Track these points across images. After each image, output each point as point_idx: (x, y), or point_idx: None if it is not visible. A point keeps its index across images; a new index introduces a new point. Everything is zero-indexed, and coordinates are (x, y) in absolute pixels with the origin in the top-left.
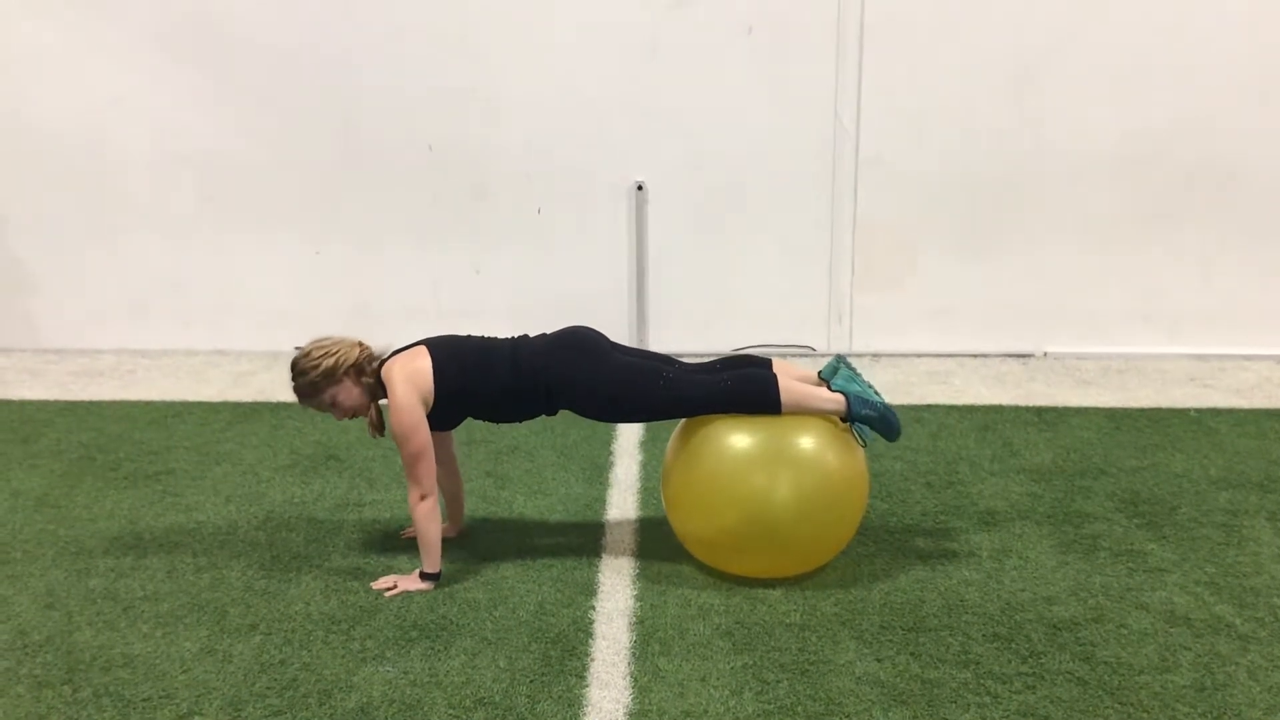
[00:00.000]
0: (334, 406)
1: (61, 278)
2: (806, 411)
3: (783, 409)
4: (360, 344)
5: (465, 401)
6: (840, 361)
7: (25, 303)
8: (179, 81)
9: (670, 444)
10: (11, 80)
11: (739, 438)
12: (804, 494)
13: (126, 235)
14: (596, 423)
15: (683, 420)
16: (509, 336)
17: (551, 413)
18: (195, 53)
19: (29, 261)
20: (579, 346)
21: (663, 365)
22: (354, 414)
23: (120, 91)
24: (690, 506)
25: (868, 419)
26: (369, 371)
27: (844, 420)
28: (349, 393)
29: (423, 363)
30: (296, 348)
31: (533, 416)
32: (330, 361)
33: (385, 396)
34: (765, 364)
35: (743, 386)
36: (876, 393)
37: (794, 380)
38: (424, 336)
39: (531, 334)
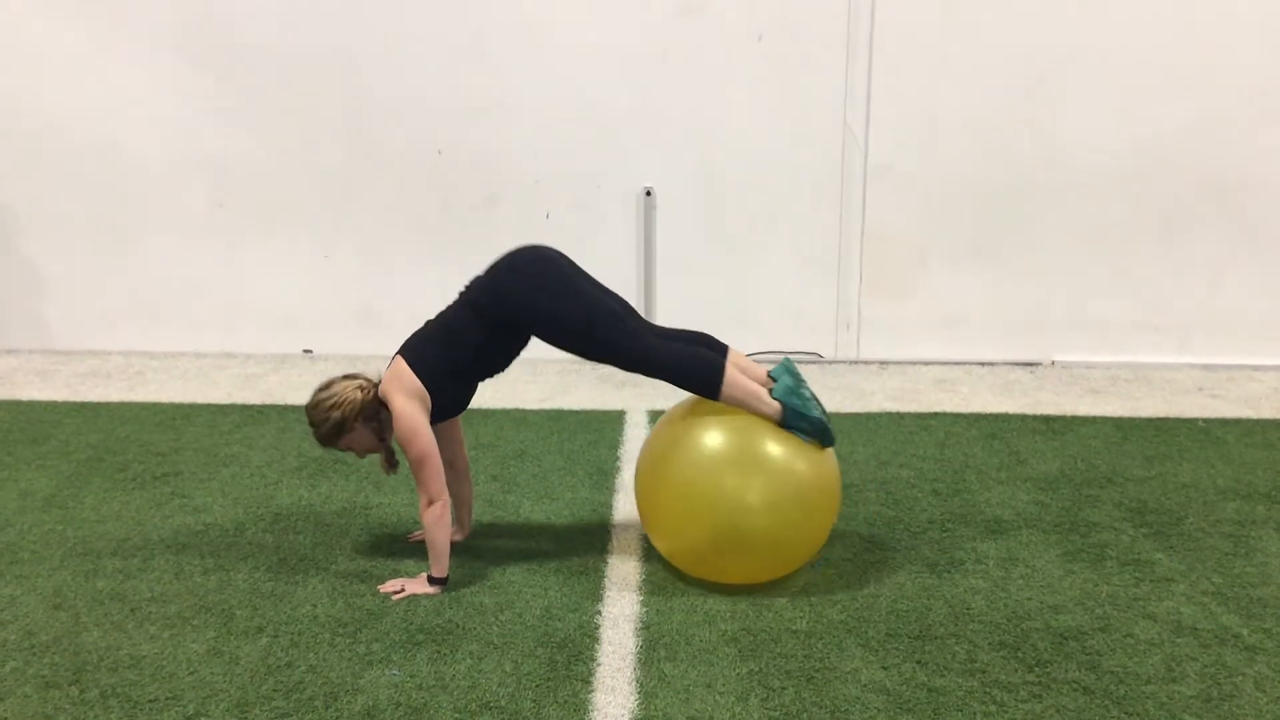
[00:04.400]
0: (351, 450)
1: (72, 280)
2: (742, 408)
3: (720, 399)
4: (361, 386)
5: (457, 374)
6: (789, 366)
7: (35, 304)
8: (192, 86)
9: (638, 462)
10: (25, 83)
11: (705, 443)
12: (773, 498)
13: (137, 238)
14: (603, 425)
15: (650, 436)
16: (459, 292)
17: (528, 336)
18: (208, 58)
19: (40, 263)
20: (536, 269)
21: (626, 315)
22: (371, 453)
23: (134, 96)
24: (660, 525)
25: (800, 430)
26: (374, 410)
27: (778, 424)
28: (362, 439)
29: (402, 368)
30: (306, 350)
31: (521, 347)
32: (338, 415)
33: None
34: (721, 350)
35: (691, 364)
36: (818, 404)
37: (740, 374)
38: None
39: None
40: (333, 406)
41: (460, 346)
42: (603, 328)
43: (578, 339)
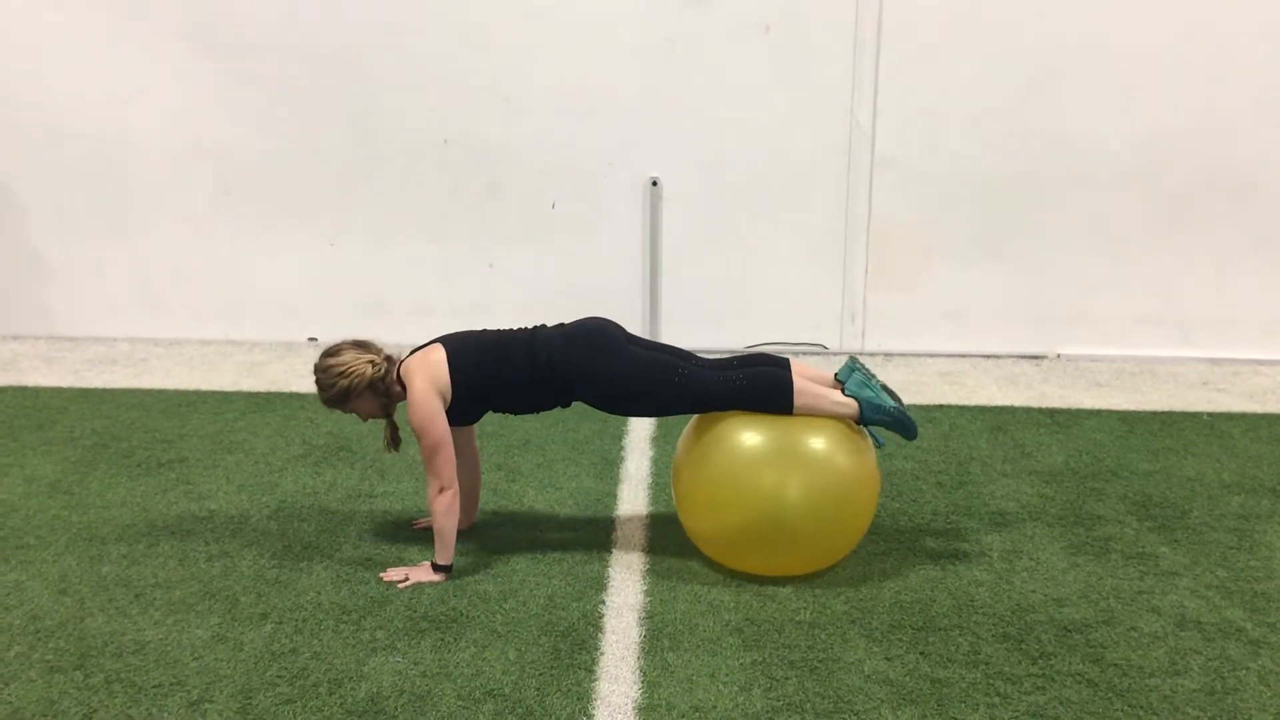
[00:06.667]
0: (355, 413)
1: (78, 267)
2: (819, 414)
3: (795, 411)
4: (373, 360)
5: (483, 394)
6: (855, 364)
7: (41, 291)
8: (198, 75)
9: (681, 441)
10: (32, 71)
11: (749, 436)
12: (813, 493)
13: (143, 226)
14: (609, 417)
15: (694, 417)
16: (525, 327)
17: (566, 405)
18: (214, 47)
19: (46, 250)
20: (596, 339)
21: (679, 361)
22: (374, 418)
23: (140, 84)
24: (700, 504)
25: (880, 424)
26: (384, 386)
27: (857, 423)
28: (366, 407)
29: (438, 357)
30: (310, 338)
31: (549, 408)
32: (345, 383)
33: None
34: (783, 364)
35: (757, 385)
36: (892, 395)
37: (809, 381)
38: (438, 331)
39: (548, 324)
40: (341, 374)
41: (501, 378)
42: (665, 386)
43: (643, 404)
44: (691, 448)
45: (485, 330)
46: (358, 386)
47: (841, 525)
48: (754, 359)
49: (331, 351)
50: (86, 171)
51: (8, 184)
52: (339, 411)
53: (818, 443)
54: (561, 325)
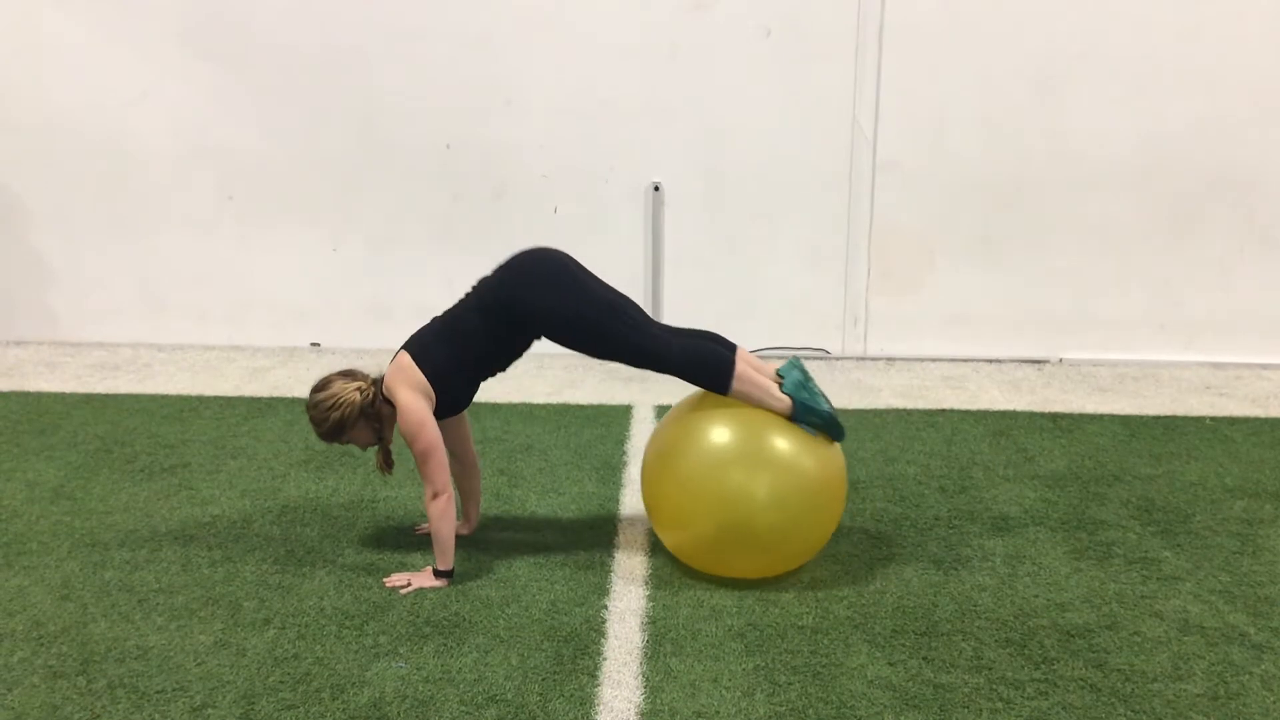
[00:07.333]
0: (353, 443)
1: (81, 271)
2: (752, 403)
3: (730, 394)
4: (360, 388)
5: (461, 372)
6: (796, 363)
7: (44, 295)
8: (201, 79)
9: (644, 457)
10: (35, 75)
11: (708, 441)
12: (776, 493)
13: (146, 230)
14: (611, 420)
15: (654, 430)
16: (467, 292)
17: (537, 337)
18: (217, 50)
19: (49, 255)
20: (540, 267)
21: (632, 310)
22: (373, 446)
23: (143, 88)
24: (667, 515)
25: (810, 424)
26: (374, 410)
27: (787, 419)
28: (363, 435)
29: (406, 361)
30: (313, 343)
31: (526, 347)
32: (337, 415)
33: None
34: (729, 346)
35: (701, 357)
36: (825, 400)
37: (750, 370)
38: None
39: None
40: (332, 407)
41: (466, 345)
42: (611, 325)
43: (586, 337)
44: (653, 461)
45: (434, 318)
46: (350, 416)
47: (805, 522)
48: (704, 334)
49: (319, 386)
50: (89, 175)
51: (10, 188)
52: (338, 445)
53: (783, 444)
54: (504, 264)
